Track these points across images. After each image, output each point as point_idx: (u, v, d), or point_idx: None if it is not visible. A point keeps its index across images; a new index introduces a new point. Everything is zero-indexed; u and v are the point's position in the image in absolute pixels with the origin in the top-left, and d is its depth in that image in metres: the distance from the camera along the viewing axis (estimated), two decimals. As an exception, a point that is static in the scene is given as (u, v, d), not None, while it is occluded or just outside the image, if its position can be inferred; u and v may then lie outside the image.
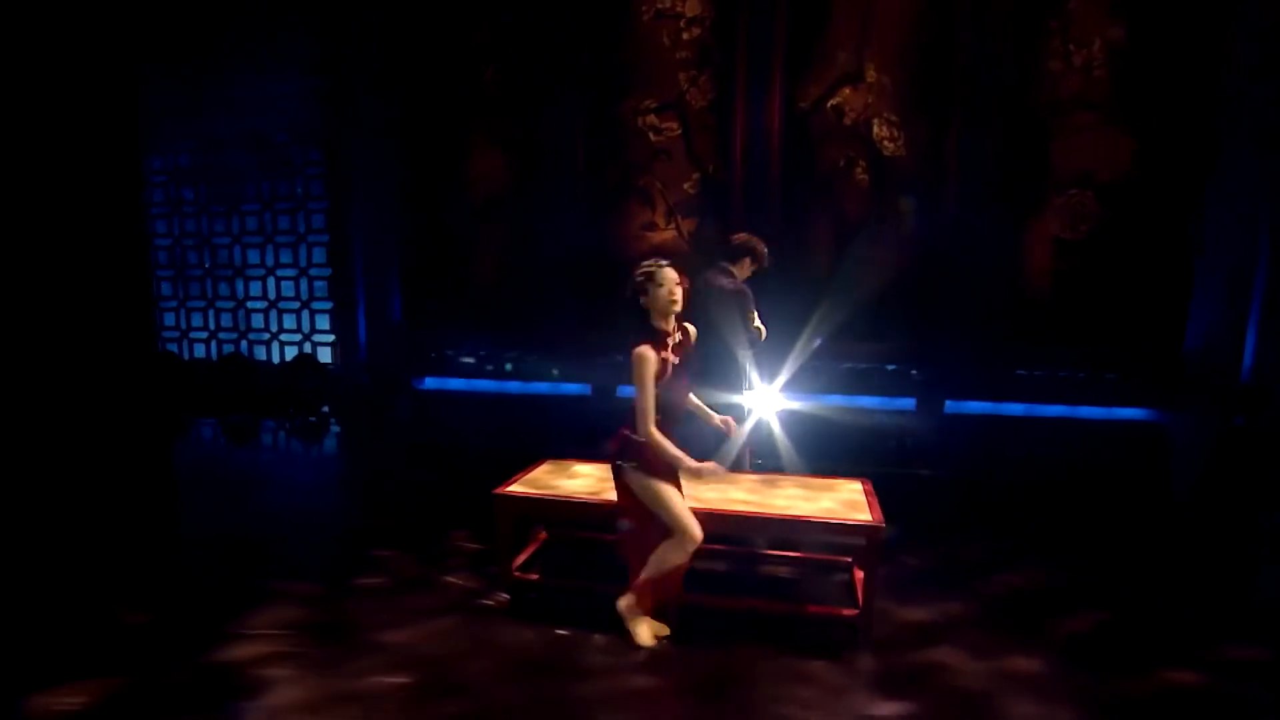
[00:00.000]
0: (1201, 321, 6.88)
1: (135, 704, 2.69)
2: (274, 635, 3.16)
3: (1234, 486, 5.71)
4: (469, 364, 8.43)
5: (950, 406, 7.48)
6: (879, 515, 3.22)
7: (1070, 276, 7.04)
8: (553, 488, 3.61)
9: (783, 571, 3.85)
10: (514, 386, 8.38)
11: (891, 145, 7.25)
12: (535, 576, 3.62)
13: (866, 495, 3.50)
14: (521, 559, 3.75)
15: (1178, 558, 4.15)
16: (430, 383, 8.47)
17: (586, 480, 3.72)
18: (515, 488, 3.61)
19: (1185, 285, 6.85)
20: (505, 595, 3.51)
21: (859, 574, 3.56)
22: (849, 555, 3.77)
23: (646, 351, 2.88)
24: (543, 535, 4.08)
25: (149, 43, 8.11)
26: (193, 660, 2.96)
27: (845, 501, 3.43)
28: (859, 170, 7.34)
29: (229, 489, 5.41)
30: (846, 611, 3.27)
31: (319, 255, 8.50)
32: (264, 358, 8.79)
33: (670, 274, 2.95)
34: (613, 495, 3.42)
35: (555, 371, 8.16)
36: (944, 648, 3.08)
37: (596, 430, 3.86)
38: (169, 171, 8.75)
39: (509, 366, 8.32)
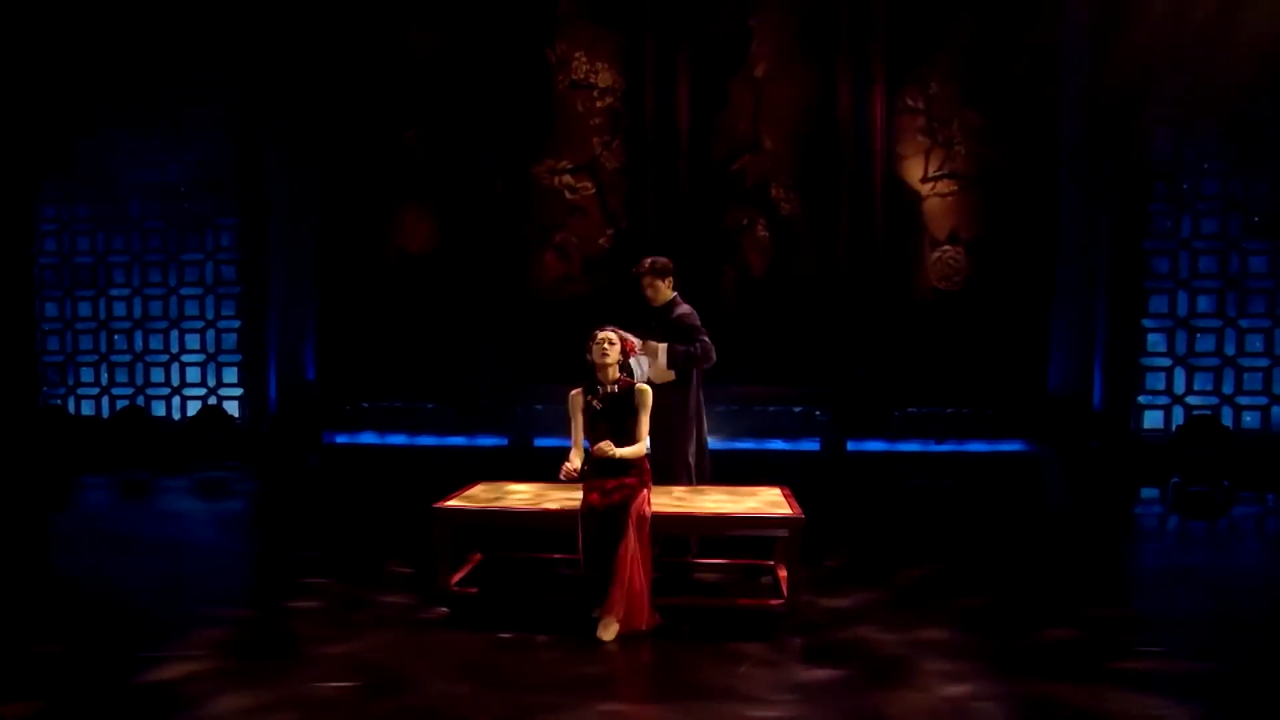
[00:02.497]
0: (1060, 361, 7.76)
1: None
2: (207, 654, 3.04)
3: (1093, 497, 6.43)
4: (383, 417, 8.31)
5: (852, 446, 7.99)
6: (798, 510, 3.49)
7: (951, 323, 7.80)
8: (489, 502, 3.69)
9: (712, 577, 4.04)
10: (428, 440, 8.30)
11: (788, 206, 7.94)
12: (474, 590, 3.65)
13: (786, 497, 3.78)
14: (458, 577, 3.77)
15: (1051, 552, 4.65)
16: (343, 437, 8.27)
17: (524, 497, 3.82)
18: (455, 502, 3.67)
19: (1045, 330, 7.74)
20: (444, 609, 3.52)
21: (783, 573, 3.79)
22: (771, 559, 4.00)
23: (573, 392, 3.56)
24: (477, 557, 4.11)
25: (49, 86, 7.87)
26: (119, 682, 2.82)
27: (767, 502, 3.69)
28: (760, 228, 7.96)
29: (132, 538, 5.10)
30: (774, 602, 3.49)
31: (229, 308, 8.27)
32: (163, 413, 8.34)
33: (601, 337, 3.50)
34: (552, 506, 3.58)
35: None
36: (862, 626, 3.34)
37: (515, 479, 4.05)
38: (62, 221, 8.36)
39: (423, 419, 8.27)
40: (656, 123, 7.91)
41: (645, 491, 3.43)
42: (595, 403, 3.50)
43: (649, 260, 4.17)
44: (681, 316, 4.10)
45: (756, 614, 3.46)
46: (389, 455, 8.06)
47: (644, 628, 3.24)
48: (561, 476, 3.48)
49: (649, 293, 4.15)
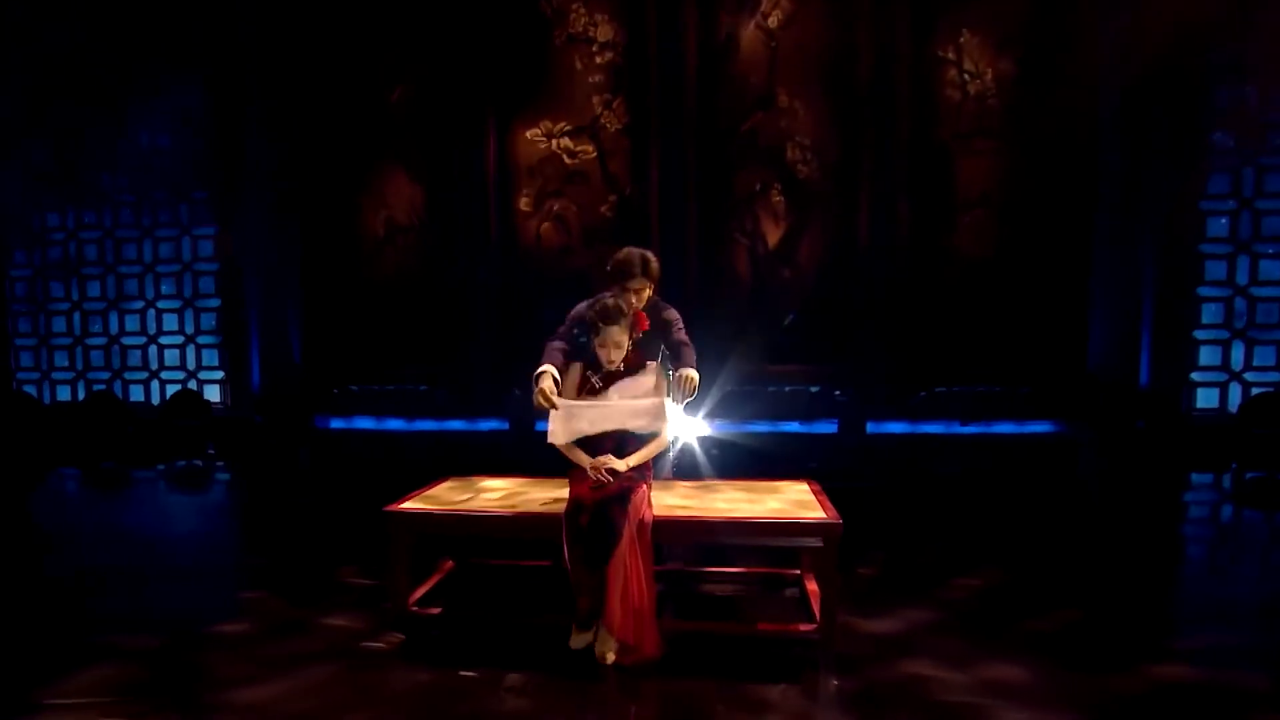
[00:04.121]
0: (1101, 334, 6.92)
1: None
2: (89, 704, 2.35)
3: (1142, 484, 5.63)
4: (376, 401, 7.61)
5: (872, 428, 7.22)
6: (834, 513, 2.74)
7: (981, 294, 6.97)
8: (455, 504, 2.96)
9: (725, 590, 3.30)
10: (426, 425, 7.60)
11: (805, 168, 7.11)
12: (436, 610, 2.93)
13: (815, 495, 3.03)
14: (421, 592, 3.05)
15: (1115, 554, 3.86)
16: (333, 422, 7.58)
17: (496, 495, 3.10)
18: (412, 504, 2.94)
19: (1084, 301, 6.90)
20: (399, 635, 2.81)
21: (812, 585, 3.05)
22: (796, 567, 3.27)
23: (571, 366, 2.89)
24: (448, 565, 3.39)
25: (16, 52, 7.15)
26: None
27: (794, 502, 2.94)
28: (774, 193, 7.14)
29: (80, 538, 4.43)
30: (804, 627, 2.74)
31: (206, 285, 7.58)
32: (141, 398, 7.69)
33: (609, 334, 2.80)
34: (528, 507, 2.87)
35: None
36: (915, 659, 2.59)
37: (515, 468, 3.38)
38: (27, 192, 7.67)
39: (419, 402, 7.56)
40: (661, 79, 7.08)
41: (645, 488, 2.70)
42: (595, 380, 2.82)
43: (639, 256, 2.92)
44: (672, 321, 3.00)
45: (783, 644, 2.72)
46: (382, 442, 7.37)
47: (655, 654, 2.53)
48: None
49: (632, 299, 2.90)
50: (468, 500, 3.00)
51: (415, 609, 2.89)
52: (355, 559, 3.64)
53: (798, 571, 3.25)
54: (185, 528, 4.83)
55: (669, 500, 2.94)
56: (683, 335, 2.98)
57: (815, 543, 2.69)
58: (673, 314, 3.03)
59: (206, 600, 3.23)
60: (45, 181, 7.56)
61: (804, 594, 3.10)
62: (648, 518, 2.62)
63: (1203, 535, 4.76)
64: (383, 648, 2.74)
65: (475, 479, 3.35)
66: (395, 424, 7.65)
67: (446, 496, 3.07)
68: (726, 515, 2.77)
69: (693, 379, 2.78)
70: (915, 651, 2.65)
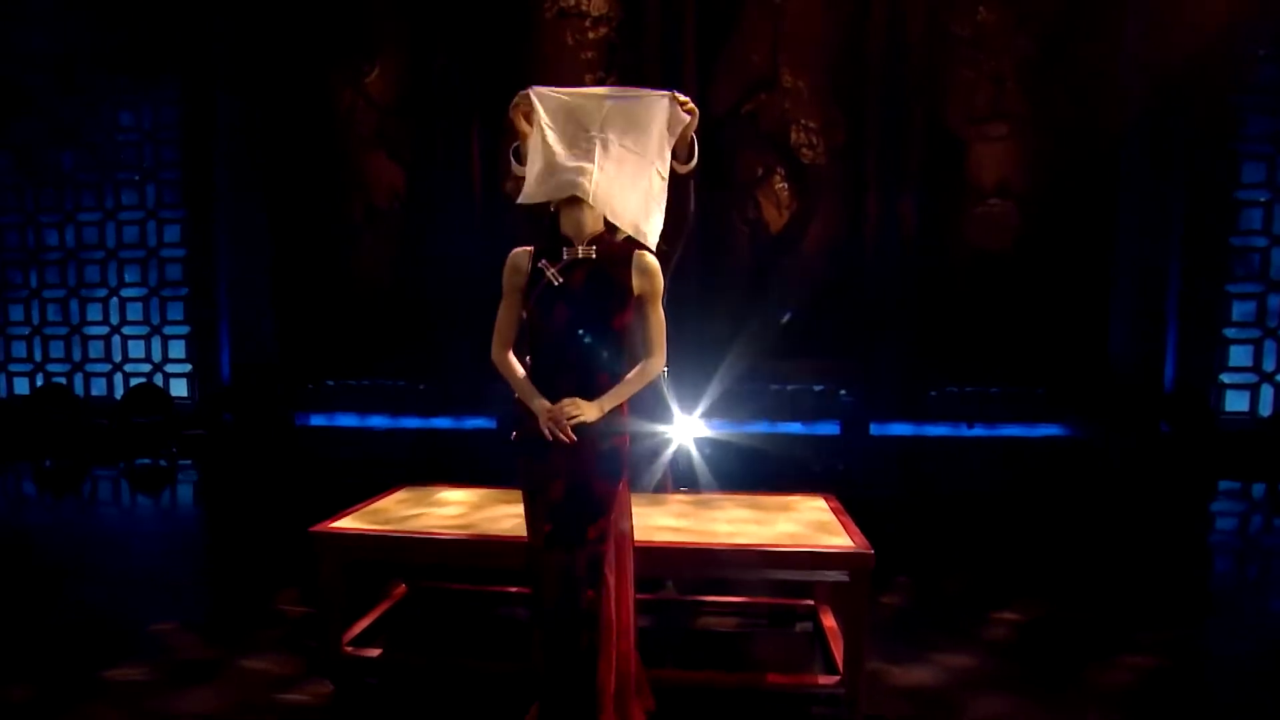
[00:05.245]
0: (1123, 332, 6.38)
1: None
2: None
3: (1168, 492, 5.09)
4: (354, 396, 7.04)
5: (876, 429, 6.68)
6: (862, 540, 2.18)
7: (996, 288, 6.42)
8: (402, 522, 2.41)
9: (725, 624, 2.74)
10: (411, 422, 7.03)
11: (810, 152, 6.54)
12: (375, 652, 2.37)
13: (835, 513, 2.47)
14: (361, 626, 2.50)
15: (1169, 579, 3.31)
16: (314, 418, 6.99)
17: (454, 510, 2.54)
18: (347, 522, 2.39)
19: (1105, 296, 6.35)
20: (329, 683, 2.25)
21: (829, 621, 2.51)
22: (808, 597, 2.72)
23: (513, 254, 1.98)
24: (399, 590, 2.84)
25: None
26: None
27: (811, 523, 2.38)
28: (778, 178, 6.58)
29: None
30: (824, 680, 2.19)
31: (174, 272, 6.99)
32: (104, 392, 7.10)
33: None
34: (487, 528, 2.30)
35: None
36: (966, 726, 2.04)
37: (503, 470, 2.79)
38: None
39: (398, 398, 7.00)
40: (658, 57, 6.51)
41: (620, 491, 1.88)
42: (553, 274, 1.89)
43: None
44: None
45: (797, 699, 2.17)
46: (362, 439, 6.79)
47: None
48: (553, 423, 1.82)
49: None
50: (416, 518, 2.44)
51: (350, 650, 2.33)
52: (300, 579, 3.07)
53: (811, 602, 2.70)
54: (115, 537, 4.22)
55: (660, 520, 2.39)
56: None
57: (839, 577, 2.14)
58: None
59: (107, 632, 2.66)
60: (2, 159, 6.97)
61: (819, 630, 2.55)
62: (627, 528, 1.93)
63: (1257, 554, 4.23)
64: (305, 702, 2.19)
65: (433, 489, 2.79)
66: (379, 421, 7.08)
67: (393, 512, 2.52)
68: (732, 542, 2.21)
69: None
70: (963, 712, 2.10)
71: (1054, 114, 6.25)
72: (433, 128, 6.68)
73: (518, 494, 2.58)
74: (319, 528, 2.32)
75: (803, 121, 6.50)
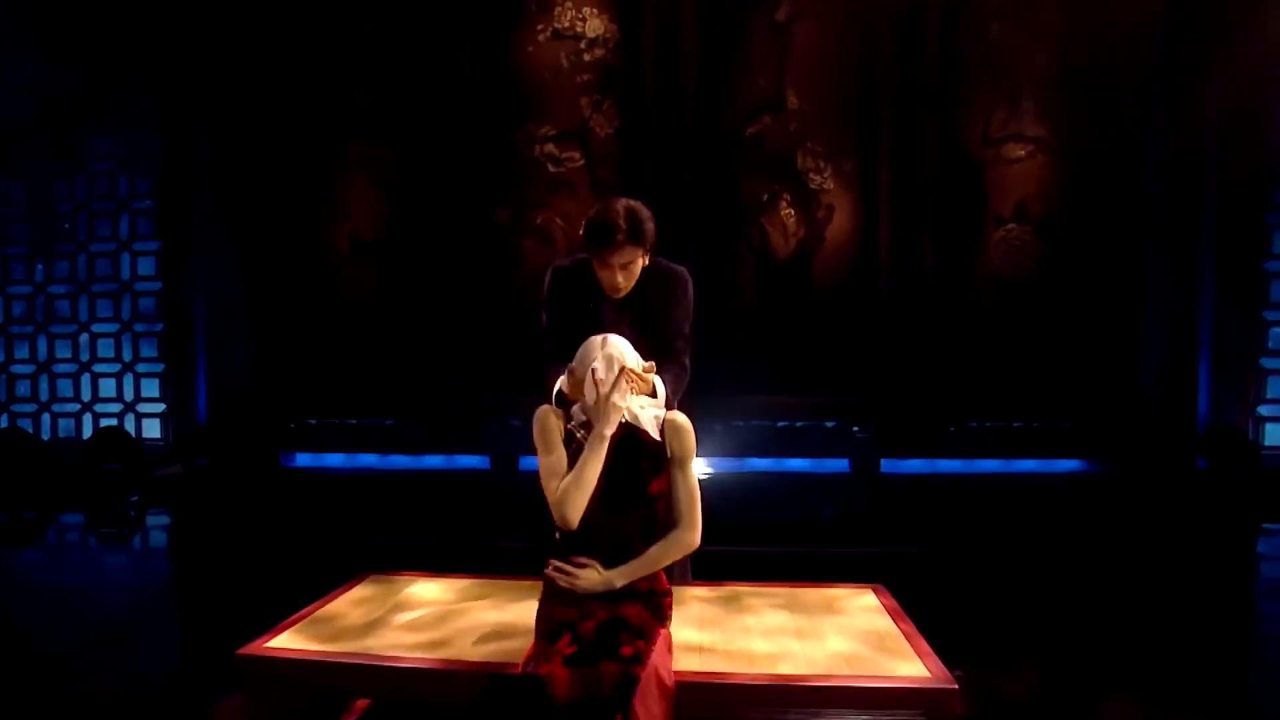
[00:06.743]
0: (1154, 362, 5.91)
1: None
2: None
3: (1211, 533, 4.59)
4: (339, 436, 6.53)
5: (888, 466, 6.18)
6: (939, 668, 1.67)
7: (1018, 318, 5.97)
8: (356, 637, 1.89)
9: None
10: (400, 461, 6.51)
11: (818, 177, 6.11)
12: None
13: (893, 617, 1.96)
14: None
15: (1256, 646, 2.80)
16: (291, 459, 6.47)
17: (423, 613, 2.02)
18: (285, 639, 1.87)
19: (1136, 325, 5.90)
20: None
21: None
22: None
23: (540, 413, 1.85)
24: (360, 704, 2.31)
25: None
26: None
27: (866, 635, 1.87)
28: (784, 204, 6.14)
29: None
30: None
31: (147, 306, 6.50)
32: (72, 433, 6.58)
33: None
34: (467, 648, 1.80)
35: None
36: None
37: (497, 511, 2.30)
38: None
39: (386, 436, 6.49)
40: (657, 78, 6.09)
41: (663, 634, 1.62)
42: (579, 432, 1.79)
43: (624, 211, 2.07)
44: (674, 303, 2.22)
45: None
46: (348, 482, 6.25)
47: None
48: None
49: (620, 278, 2.09)
50: (372, 629, 1.93)
51: (287, 806, 1.81)
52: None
53: None
54: (33, 617, 3.53)
55: (682, 631, 1.87)
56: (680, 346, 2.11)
57: (913, 716, 1.62)
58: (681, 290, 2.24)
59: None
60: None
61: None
62: (670, 682, 1.54)
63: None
64: None
65: (400, 580, 2.28)
66: (369, 460, 6.56)
67: (346, 619, 2.00)
68: (777, 676, 1.69)
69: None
70: None
71: (1075, 131, 5.85)
72: (419, 155, 6.24)
73: (500, 584, 2.09)
74: (247, 649, 1.80)
75: (810, 144, 6.08)
